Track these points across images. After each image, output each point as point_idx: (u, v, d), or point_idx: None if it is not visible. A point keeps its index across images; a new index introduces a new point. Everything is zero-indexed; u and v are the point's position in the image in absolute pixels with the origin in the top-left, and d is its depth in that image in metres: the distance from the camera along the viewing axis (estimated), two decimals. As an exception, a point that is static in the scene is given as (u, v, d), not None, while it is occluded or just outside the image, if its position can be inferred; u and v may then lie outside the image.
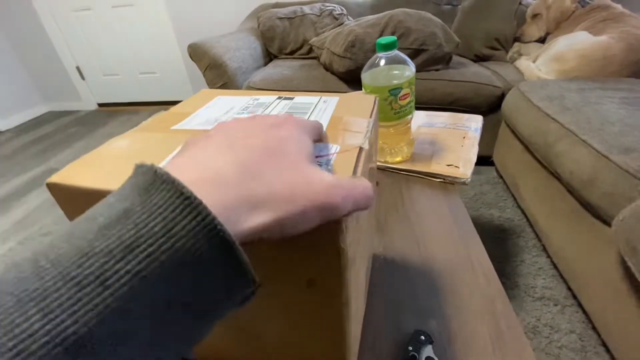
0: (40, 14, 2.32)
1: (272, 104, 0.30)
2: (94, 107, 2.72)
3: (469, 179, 0.61)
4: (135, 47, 2.37)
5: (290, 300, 0.23)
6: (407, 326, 0.38)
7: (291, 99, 0.31)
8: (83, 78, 2.59)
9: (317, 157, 0.23)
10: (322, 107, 0.29)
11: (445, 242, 0.50)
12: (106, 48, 2.42)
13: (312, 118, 0.27)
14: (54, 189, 0.23)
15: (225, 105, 0.32)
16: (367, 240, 0.31)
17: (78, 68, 2.54)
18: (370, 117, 0.28)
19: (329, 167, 0.21)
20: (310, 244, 0.19)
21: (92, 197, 0.22)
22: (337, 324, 0.24)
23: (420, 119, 0.80)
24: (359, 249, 0.25)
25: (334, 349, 0.25)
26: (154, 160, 0.22)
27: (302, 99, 0.31)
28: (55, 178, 0.23)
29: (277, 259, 0.21)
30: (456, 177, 0.61)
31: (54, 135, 2.27)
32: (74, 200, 0.23)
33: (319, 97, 0.32)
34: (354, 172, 0.21)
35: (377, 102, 0.32)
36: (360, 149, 0.23)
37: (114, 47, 2.40)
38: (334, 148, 0.24)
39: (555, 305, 0.84)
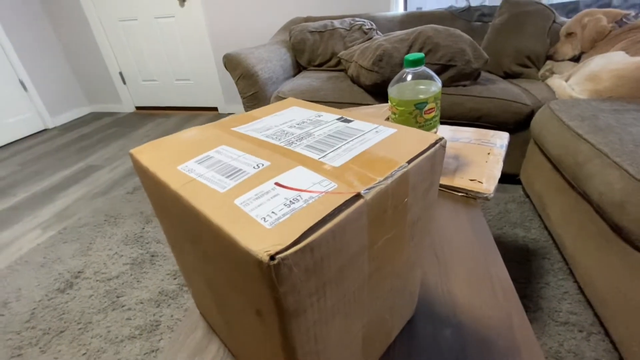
0: (90, 23, 2.53)
1: (328, 123, 0.32)
2: (132, 109, 2.90)
3: (492, 195, 0.61)
4: (173, 56, 2.52)
5: (250, 318, 0.23)
6: (420, 333, 0.39)
7: (349, 121, 0.32)
8: (124, 82, 2.77)
9: (289, 188, 0.21)
10: (369, 136, 0.28)
11: (465, 255, 0.51)
12: (147, 55, 2.58)
13: (349, 146, 0.26)
14: (133, 160, 0.29)
15: (289, 116, 0.35)
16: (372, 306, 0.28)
17: (121, 73, 2.73)
18: (409, 162, 0.24)
19: (292, 208, 0.19)
20: (250, 274, 0.18)
21: (145, 172, 0.26)
22: (282, 356, 0.22)
23: (445, 133, 0.81)
24: (339, 299, 0.22)
25: None
26: (193, 154, 0.26)
27: (358, 124, 0.31)
28: (134, 150, 0.29)
29: (227, 276, 0.22)
30: (479, 192, 0.62)
31: (95, 134, 2.43)
32: (140, 172, 0.28)
33: (376, 125, 0.30)
34: (314, 226, 0.18)
35: (437, 149, 0.26)
36: (358, 195, 0.20)
37: (154, 54, 2.56)
38: (327, 185, 0.21)
39: (580, 331, 0.81)
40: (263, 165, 0.25)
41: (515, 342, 0.38)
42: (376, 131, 0.29)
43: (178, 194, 0.22)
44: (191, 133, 0.31)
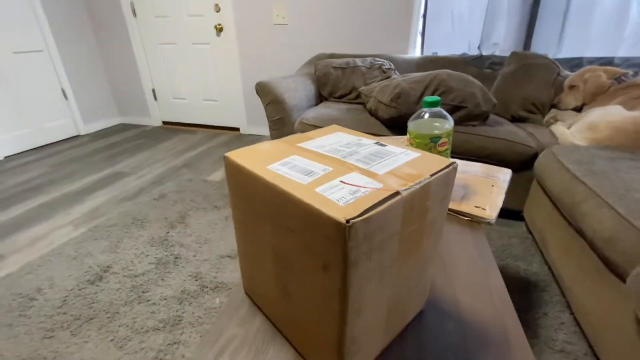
0: (133, 43, 2.77)
1: (367, 145, 0.42)
2: (159, 124, 3.09)
3: (494, 221, 0.70)
4: (204, 78, 2.73)
5: (314, 274, 0.32)
6: (429, 323, 0.47)
7: (384, 145, 0.42)
8: (156, 99, 2.98)
9: (351, 184, 0.31)
10: (401, 157, 0.38)
11: (468, 267, 0.59)
12: (180, 76, 2.80)
13: (387, 162, 0.37)
14: (227, 161, 0.39)
15: (336, 138, 0.46)
16: (403, 273, 0.37)
17: (153, 90, 2.94)
18: (431, 176, 0.33)
19: (355, 196, 0.29)
20: (327, 235, 0.28)
21: (240, 170, 0.37)
22: (340, 309, 0.30)
23: (454, 165, 0.91)
24: (378, 264, 0.31)
25: (333, 329, 0.33)
26: (275, 159, 0.37)
27: (391, 147, 0.41)
28: (229, 154, 0.39)
29: (305, 242, 0.31)
30: (482, 218, 0.71)
31: (123, 143, 2.60)
32: (232, 170, 0.39)
33: (404, 150, 0.40)
34: (370, 207, 0.27)
35: (450, 169, 0.36)
36: (397, 192, 0.30)
37: (187, 75, 2.77)
38: (375, 185, 0.31)
39: (575, 360, 0.86)
40: (328, 170, 0.35)
41: (508, 336, 0.46)
42: (405, 154, 0.40)
43: (273, 183, 0.33)
44: (267, 145, 0.42)
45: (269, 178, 0.33)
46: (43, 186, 1.88)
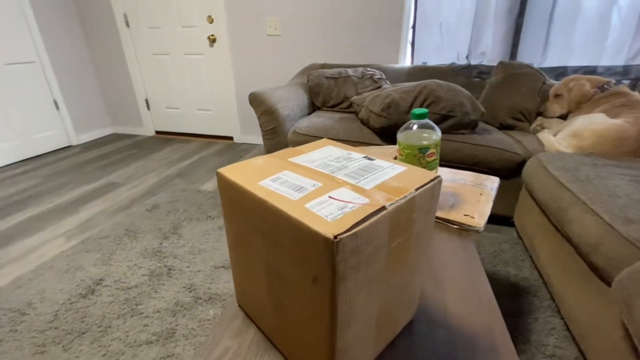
0: (126, 53, 2.78)
1: (355, 160, 0.44)
2: (152, 133, 3.08)
3: (482, 229, 0.72)
4: (197, 87, 2.74)
5: (304, 287, 0.33)
6: (419, 332, 0.49)
7: (372, 160, 0.44)
8: (149, 108, 2.98)
9: (339, 200, 0.32)
10: (388, 171, 0.40)
11: (457, 275, 0.61)
12: (173, 86, 2.81)
13: (375, 176, 0.38)
14: (219, 176, 0.40)
15: (327, 152, 0.47)
16: (392, 285, 0.38)
17: (147, 100, 2.94)
18: (416, 190, 0.35)
19: (343, 211, 0.30)
20: (316, 250, 0.29)
21: (232, 186, 0.38)
22: (329, 321, 0.32)
23: (443, 174, 0.94)
24: (366, 277, 0.32)
25: (324, 341, 0.34)
26: (266, 175, 0.38)
27: (379, 162, 0.43)
28: (221, 170, 0.40)
29: (296, 256, 0.32)
30: (471, 226, 0.73)
31: (116, 154, 2.59)
32: (224, 185, 0.40)
33: (392, 164, 0.42)
34: (357, 223, 0.28)
35: (435, 183, 0.37)
36: (383, 207, 0.31)
37: (180, 85, 2.78)
38: (363, 200, 0.33)
39: (565, 364, 0.87)
40: (318, 185, 0.36)
41: (495, 343, 0.47)
42: (392, 168, 0.41)
43: (264, 199, 0.34)
44: (260, 161, 0.44)
45: (260, 194, 0.35)
46: (34, 198, 1.86)
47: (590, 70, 1.78)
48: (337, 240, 0.27)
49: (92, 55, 2.89)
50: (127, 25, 2.69)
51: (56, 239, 1.46)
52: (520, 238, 1.41)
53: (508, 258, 1.29)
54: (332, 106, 1.91)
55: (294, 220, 0.31)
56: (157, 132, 3.09)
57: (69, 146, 2.79)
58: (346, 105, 1.87)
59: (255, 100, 1.60)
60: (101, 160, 2.46)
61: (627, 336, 0.69)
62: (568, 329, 0.97)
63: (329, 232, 0.28)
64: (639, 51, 1.72)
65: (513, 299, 1.09)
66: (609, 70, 1.76)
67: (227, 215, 0.43)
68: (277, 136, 1.64)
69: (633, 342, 0.68)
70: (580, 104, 1.48)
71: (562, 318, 1.00)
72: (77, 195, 1.88)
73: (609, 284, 0.77)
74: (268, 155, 0.46)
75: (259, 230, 0.37)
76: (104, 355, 0.90)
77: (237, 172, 0.40)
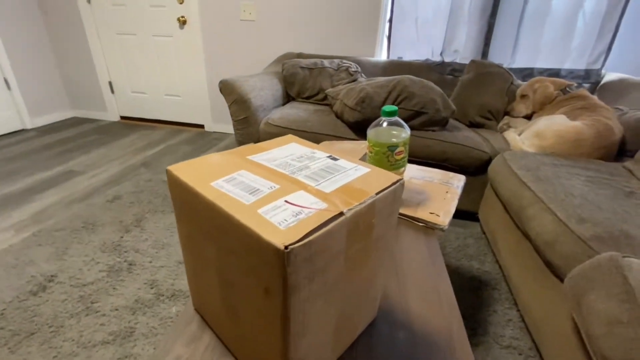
0: (87, 31, 2.58)
1: (320, 159, 0.42)
2: (117, 118, 2.91)
3: (446, 227, 0.73)
4: (166, 72, 2.60)
5: (256, 297, 0.31)
6: (380, 333, 0.48)
7: (336, 159, 0.42)
8: (113, 92, 2.80)
9: (295, 205, 0.30)
10: (350, 172, 0.38)
11: (420, 274, 0.61)
12: (139, 69, 2.65)
13: (336, 178, 0.36)
14: (169, 174, 0.37)
15: (290, 150, 0.45)
16: (349, 290, 0.37)
17: (110, 83, 2.76)
18: (377, 194, 0.34)
19: (297, 218, 0.28)
20: (266, 260, 0.27)
21: (182, 185, 0.35)
22: (282, 332, 0.30)
23: (412, 171, 0.94)
24: (321, 286, 0.31)
25: (278, 351, 0.32)
26: (220, 175, 0.35)
27: (343, 162, 0.41)
28: (171, 167, 0.37)
29: (247, 264, 0.30)
30: (436, 224, 0.74)
31: (76, 139, 2.42)
32: (174, 184, 0.37)
33: (355, 165, 0.40)
34: (312, 231, 0.27)
35: (397, 186, 0.36)
36: (341, 213, 0.30)
37: (147, 69, 2.63)
38: (320, 205, 0.31)
39: (520, 354, 0.92)
40: (275, 187, 0.34)
41: (453, 344, 0.48)
42: (355, 169, 0.40)
43: (214, 203, 0.31)
44: (215, 158, 0.41)
45: (211, 197, 0.32)
46: (-21, 186, 1.71)
47: (554, 73, 1.86)
48: (288, 250, 0.26)
49: (49, 31, 2.65)
50: (89, 1, 2.49)
51: (5, 231, 1.34)
52: (484, 233, 1.46)
53: (472, 252, 1.34)
54: (307, 97, 1.88)
55: (244, 227, 0.28)
56: (122, 118, 2.92)
57: (23, 130, 2.58)
58: (321, 97, 1.84)
59: (226, 89, 1.54)
60: (59, 146, 2.29)
61: (576, 329, 0.73)
62: (523, 321, 1.02)
63: (279, 241, 0.26)
64: (599, 56, 1.81)
65: (475, 292, 1.13)
66: (572, 74, 1.85)
67: (178, 216, 0.40)
68: (248, 126, 1.59)
69: (581, 335, 0.73)
70: (544, 105, 1.55)
71: (519, 310, 1.06)
72: (30, 184, 1.74)
73: (562, 280, 0.81)
74: (226, 152, 0.43)
75: (210, 236, 0.34)
76: (54, 357, 0.84)
77: (189, 171, 0.37)
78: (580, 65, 1.85)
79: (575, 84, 1.58)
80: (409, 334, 0.49)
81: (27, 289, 1.05)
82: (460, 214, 1.61)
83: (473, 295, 1.12)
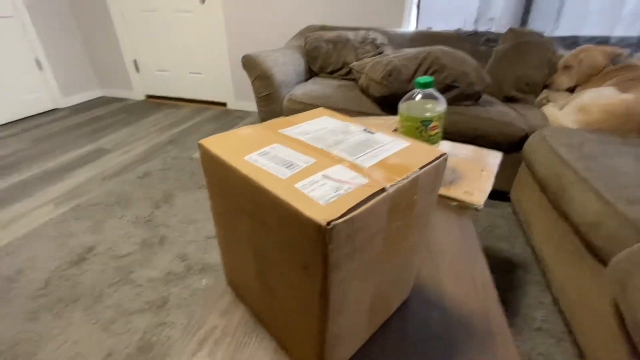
0: (111, 10, 2.59)
1: (354, 133, 0.39)
2: (143, 97, 2.96)
3: (482, 206, 0.70)
4: (188, 49, 2.59)
5: (294, 273, 0.30)
6: (413, 312, 0.47)
7: (373, 132, 0.39)
8: (138, 71, 2.83)
9: (334, 179, 0.28)
10: (389, 146, 0.36)
11: (454, 254, 0.59)
12: (163, 46, 2.65)
13: (374, 152, 0.34)
14: (201, 148, 0.36)
15: (323, 124, 0.42)
16: (386, 271, 0.36)
17: (135, 61, 2.79)
18: (421, 169, 0.31)
19: (338, 193, 0.27)
20: (306, 236, 0.26)
21: (215, 159, 0.34)
22: (321, 309, 0.29)
23: (445, 148, 0.90)
24: (361, 264, 0.30)
25: (315, 328, 0.32)
26: (253, 148, 0.34)
27: (380, 135, 0.39)
28: (203, 141, 0.36)
29: (284, 240, 0.29)
30: (470, 203, 0.70)
31: (105, 118, 2.49)
32: (207, 158, 0.36)
33: (393, 138, 0.37)
34: (354, 207, 0.25)
35: (440, 161, 0.34)
36: (383, 189, 0.28)
37: (170, 46, 2.63)
38: (360, 180, 0.29)
39: (552, 337, 0.89)
40: (311, 161, 0.32)
41: (490, 326, 0.46)
42: (394, 142, 0.37)
43: (249, 177, 0.30)
44: (247, 131, 0.39)
45: (246, 171, 0.31)
46: (20, 163, 1.80)
47: (603, 41, 1.69)
48: (330, 227, 0.24)
49: (75, 10, 2.69)
50: (111, -24, 2.48)
51: (45, 205, 1.43)
52: (515, 213, 1.40)
53: (502, 233, 1.29)
54: (331, 72, 1.82)
55: (282, 202, 0.27)
56: (148, 96, 2.97)
57: (55, 109, 2.68)
58: (345, 71, 1.78)
59: (249, 64, 1.51)
60: (90, 124, 2.37)
61: (617, 314, 0.69)
62: (556, 304, 0.98)
63: (321, 217, 0.24)
64: (655, 21, 1.62)
65: (504, 274, 1.10)
66: (623, 41, 1.67)
67: (212, 191, 0.39)
68: (272, 103, 1.57)
69: (621, 320, 0.69)
70: (590, 77, 1.42)
71: (551, 293, 1.02)
72: (65, 161, 1.82)
73: (603, 263, 0.77)
74: (256, 125, 0.41)
75: (245, 211, 0.33)
76: (95, 323, 0.90)
77: (221, 144, 0.36)
78: (633, 32, 1.67)
79: (627, 52, 1.43)
80: (443, 314, 0.47)
81: (68, 260, 1.11)
82: (490, 194, 1.54)
83: (503, 276, 1.09)
